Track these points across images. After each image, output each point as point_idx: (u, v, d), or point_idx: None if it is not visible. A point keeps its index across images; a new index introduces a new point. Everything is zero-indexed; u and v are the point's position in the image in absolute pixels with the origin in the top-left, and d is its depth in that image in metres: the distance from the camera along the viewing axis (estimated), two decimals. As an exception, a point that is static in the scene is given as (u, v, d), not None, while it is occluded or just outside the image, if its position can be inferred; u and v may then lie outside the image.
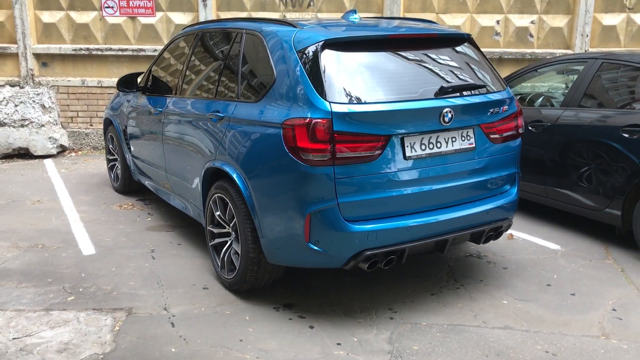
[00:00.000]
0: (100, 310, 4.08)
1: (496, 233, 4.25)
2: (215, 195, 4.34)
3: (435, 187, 3.87)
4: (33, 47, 9.02)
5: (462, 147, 3.95)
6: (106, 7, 8.97)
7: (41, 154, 8.91)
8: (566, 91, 5.56)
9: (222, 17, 9.03)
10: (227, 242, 4.30)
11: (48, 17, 9.00)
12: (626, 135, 4.79)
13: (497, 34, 8.95)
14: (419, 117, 3.75)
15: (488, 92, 4.10)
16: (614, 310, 4.04)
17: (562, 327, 3.83)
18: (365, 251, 3.69)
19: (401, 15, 8.80)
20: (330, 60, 3.75)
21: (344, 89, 3.67)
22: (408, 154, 3.74)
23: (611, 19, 8.89)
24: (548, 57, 8.56)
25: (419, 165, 3.80)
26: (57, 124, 9.10)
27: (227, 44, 4.67)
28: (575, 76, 5.48)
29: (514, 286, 4.39)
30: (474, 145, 4.00)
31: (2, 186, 7.26)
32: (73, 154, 9.23)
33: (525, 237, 5.38)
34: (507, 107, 4.16)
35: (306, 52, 3.78)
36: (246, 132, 4.02)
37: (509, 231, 5.24)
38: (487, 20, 8.91)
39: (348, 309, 4.06)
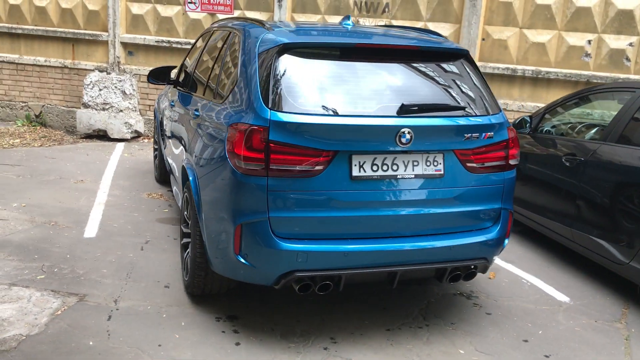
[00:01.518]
0: (57, 292, 4.16)
1: (466, 273, 3.78)
2: (185, 194, 4.29)
3: (385, 213, 3.51)
4: (121, 36, 9.56)
5: (426, 172, 3.55)
6: (189, 3, 9.28)
7: (117, 137, 9.41)
8: (607, 123, 4.86)
9: (295, 19, 9.01)
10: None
11: (137, 8, 9.49)
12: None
13: (587, 55, 8.08)
14: (371, 135, 3.42)
15: (467, 115, 3.64)
16: (588, 383, 3.44)
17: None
18: (295, 272, 3.42)
19: (480, 28, 8.23)
20: (284, 65, 3.53)
21: (290, 97, 3.43)
22: (355, 173, 3.42)
23: None
24: None
25: (367, 187, 3.46)
26: (135, 110, 9.56)
27: (221, 43, 4.60)
28: (621, 106, 4.76)
29: (485, 336, 3.89)
30: (442, 172, 3.58)
31: (62, 163, 7.74)
32: (146, 140, 9.66)
33: (535, 281, 4.77)
34: (491, 133, 3.68)
35: (265, 55, 3.60)
36: (205, 132, 3.92)
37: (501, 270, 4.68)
38: (576, 39, 8.07)
39: (289, 331, 3.82)
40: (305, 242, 3.43)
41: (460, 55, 3.91)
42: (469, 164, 3.65)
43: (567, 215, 4.89)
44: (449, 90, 3.76)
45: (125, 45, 9.63)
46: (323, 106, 3.44)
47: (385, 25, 5.31)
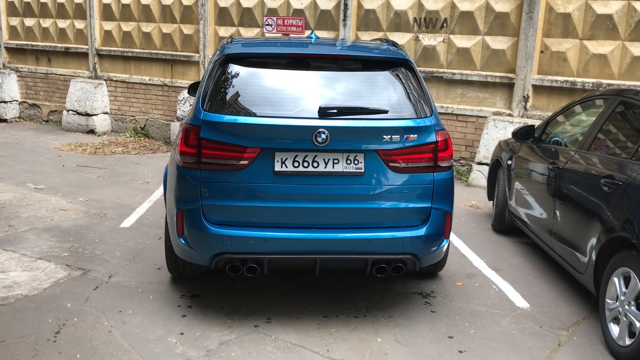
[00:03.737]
0: (69, 266, 5.00)
1: (392, 267, 4.00)
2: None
3: (305, 205, 3.88)
4: (209, 56, 10.62)
5: (346, 170, 3.87)
6: (266, 25, 10.09)
7: (202, 147, 10.41)
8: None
9: (359, 36, 9.46)
10: None
11: (223, 31, 10.50)
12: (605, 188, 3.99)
13: (654, 65, 7.62)
14: (291, 134, 3.82)
15: (389, 118, 3.90)
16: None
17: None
18: (224, 254, 3.90)
19: (538, 40, 8.10)
20: (224, 73, 4.05)
21: (223, 100, 3.95)
22: (277, 168, 3.84)
23: None
24: None
25: (289, 181, 3.86)
26: (219, 123, 10.52)
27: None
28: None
29: (412, 329, 4.07)
30: (362, 170, 3.87)
31: (141, 168, 8.84)
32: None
33: (505, 288, 4.77)
34: (414, 135, 3.90)
35: (213, 65, 4.15)
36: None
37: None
38: (642, 49, 7.66)
39: (235, 310, 4.29)
40: (232, 228, 3.90)
41: (398, 63, 4.16)
42: (391, 164, 3.89)
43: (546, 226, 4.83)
44: (377, 95, 4.04)
45: (213, 64, 10.67)
46: (250, 108, 3.91)
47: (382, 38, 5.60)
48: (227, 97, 3.99)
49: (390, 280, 4.82)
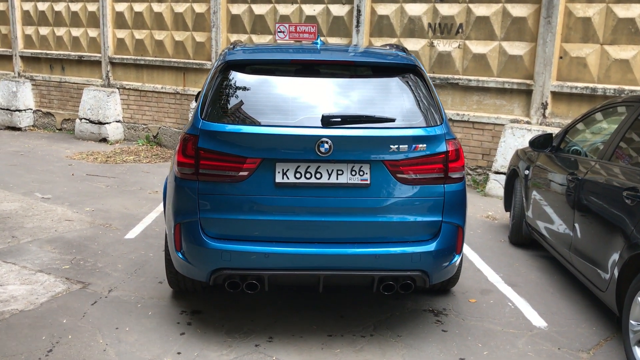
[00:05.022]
0: (69, 280, 4.85)
1: (400, 284, 3.78)
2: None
3: (307, 219, 3.69)
4: (222, 64, 10.49)
5: (351, 182, 3.67)
6: (278, 32, 9.93)
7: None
8: None
9: (372, 43, 9.26)
10: None
11: (236, 39, 10.38)
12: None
13: (679, 70, 7.32)
14: (292, 144, 3.64)
15: (396, 126, 3.69)
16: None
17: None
18: (223, 270, 3.72)
19: (557, 46, 7.83)
20: (224, 80, 3.88)
21: (222, 109, 3.78)
22: (278, 180, 3.65)
23: None
24: None
25: (290, 193, 3.67)
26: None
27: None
28: None
29: (421, 350, 3.84)
30: (368, 182, 3.67)
31: (150, 177, 8.72)
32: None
33: (522, 305, 4.52)
34: (422, 145, 3.69)
35: (214, 72, 3.98)
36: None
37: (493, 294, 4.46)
38: (666, 53, 7.37)
39: (236, 328, 4.10)
40: (231, 242, 3.72)
41: (407, 69, 3.96)
42: (399, 175, 3.69)
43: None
44: (384, 102, 3.84)
45: (225, 72, 10.55)
46: (251, 117, 3.74)
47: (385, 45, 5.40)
48: (227, 106, 3.82)
49: (400, 297, 4.60)
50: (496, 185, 8.15)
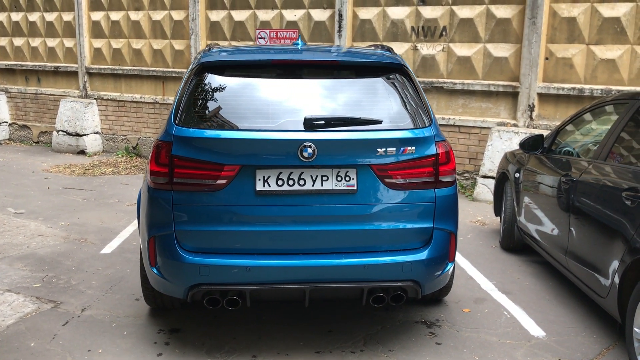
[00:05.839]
0: (40, 299, 4.57)
1: (391, 296, 3.56)
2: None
3: (291, 229, 3.45)
4: (202, 72, 10.25)
5: (336, 188, 3.44)
6: (259, 38, 9.75)
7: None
8: None
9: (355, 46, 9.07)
10: None
11: (215, 46, 10.14)
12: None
13: (666, 69, 7.21)
14: (273, 149, 3.41)
15: (383, 129, 3.48)
16: None
17: None
18: (201, 285, 3.47)
19: (542, 46, 7.70)
20: (199, 83, 3.65)
21: (197, 114, 3.55)
22: (259, 188, 3.42)
23: None
24: None
25: (272, 202, 3.44)
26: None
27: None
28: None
29: (415, 365, 3.61)
30: (355, 187, 3.45)
31: (129, 189, 8.44)
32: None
33: (518, 314, 4.32)
34: (411, 148, 3.48)
35: (189, 74, 3.75)
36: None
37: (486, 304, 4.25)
38: (652, 53, 7.26)
39: (217, 346, 3.85)
40: (209, 255, 3.47)
41: (393, 69, 3.75)
42: (387, 180, 3.47)
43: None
44: (369, 103, 3.63)
45: (205, 80, 10.30)
46: (228, 121, 3.50)
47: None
48: (203, 110, 3.58)
49: (391, 308, 4.37)
50: (484, 189, 7.98)
